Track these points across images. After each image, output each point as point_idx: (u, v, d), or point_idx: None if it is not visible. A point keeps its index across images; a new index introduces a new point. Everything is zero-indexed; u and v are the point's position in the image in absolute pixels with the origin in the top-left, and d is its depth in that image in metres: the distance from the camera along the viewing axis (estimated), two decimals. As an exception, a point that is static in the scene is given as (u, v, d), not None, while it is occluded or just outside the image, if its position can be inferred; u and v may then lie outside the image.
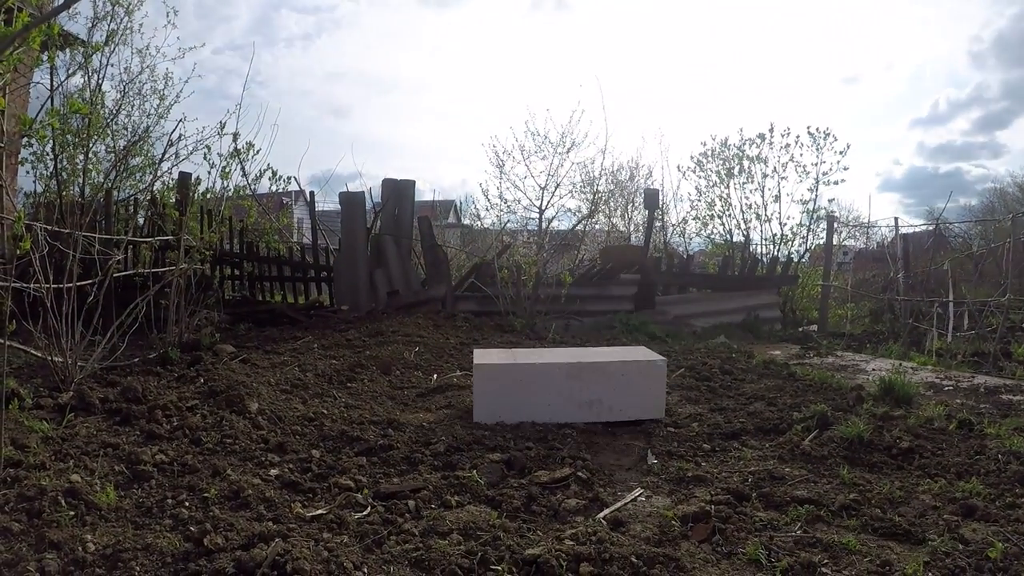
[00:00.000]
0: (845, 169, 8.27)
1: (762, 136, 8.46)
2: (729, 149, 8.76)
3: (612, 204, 10.75)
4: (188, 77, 6.41)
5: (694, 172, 9.17)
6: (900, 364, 4.18)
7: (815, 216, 8.45)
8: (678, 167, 16.16)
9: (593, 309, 5.95)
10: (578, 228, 9.43)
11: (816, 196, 8.39)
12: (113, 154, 5.85)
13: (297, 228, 9.77)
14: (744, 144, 8.62)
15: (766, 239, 8.59)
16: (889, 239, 8.91)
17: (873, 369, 4.02)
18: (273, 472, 1.85)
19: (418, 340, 4.07)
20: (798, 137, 8.39)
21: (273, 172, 5.64)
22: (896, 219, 9.52)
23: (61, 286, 2.67)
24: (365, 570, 1.35)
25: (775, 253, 8.41)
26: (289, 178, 6.10)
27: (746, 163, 8.59)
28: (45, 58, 5.00)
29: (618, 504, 1.75)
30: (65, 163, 5.15)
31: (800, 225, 8.52)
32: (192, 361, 3.00)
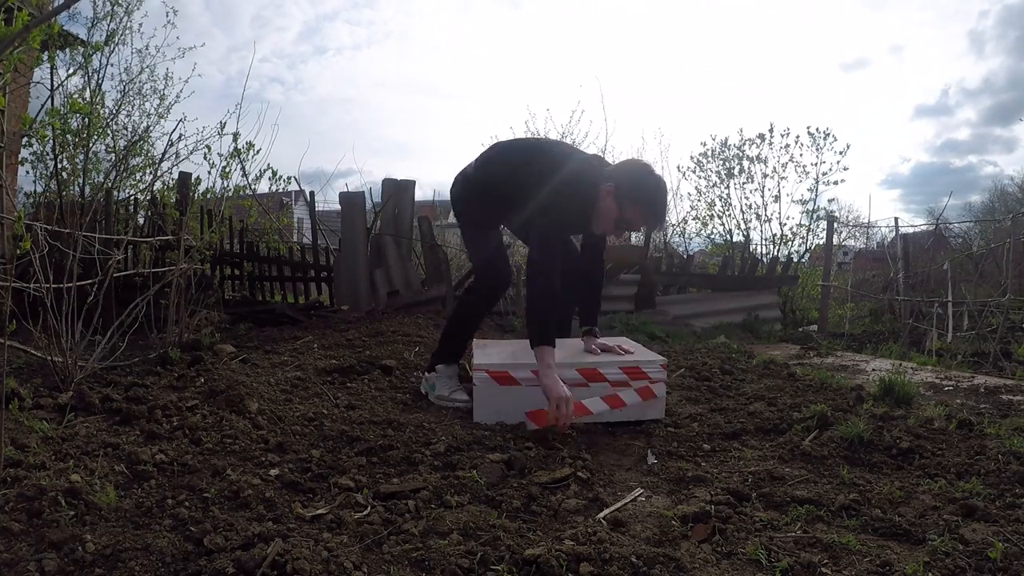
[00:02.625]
0: (845, 169, 8.32)
1: (762, 136, 8.49)
2: (729, 149, 8.79)
3: (612, 204, 10.73)
4: (188, 77, 6.41)
5: (694, 172, 9.20)
6: (900, 364, 4.18)
7: (815, 216, 8.48)
8: (678, 167, 16.20)
9: (593, 309, 5.94)
10: (578, 228, 9.40)
11: (816, 196, 8.42)
12: (113, 154, 5.85)
13: (297, 228, 9.77)
14: (744, 144, 8.64)
15: (766, 239, 8.63)
16: (889, 239, 8.92)
17: (873, 369, 4.02)
18: (273, 472, 1.85)
19: (418, 340, 4.07)
20: (798, 137, 8.42)
21: (273, 172, 5.64)
22: (896, 219, 9.53)
23: (61, 286, 2.67)
24: (365, 570, 1.35)
25: (775, 253, 8.43)
26: (289, 178, 6.11)
27: (746, 163, 8.61)
28: (45, 58, 5.01)
29: (618, 504, 1.75)
30: (65, 163, 5.16)
31: (800, 225, 8.56)
32: (192, 361, 2.99)
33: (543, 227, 2.46)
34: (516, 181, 2.60)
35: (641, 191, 2.42)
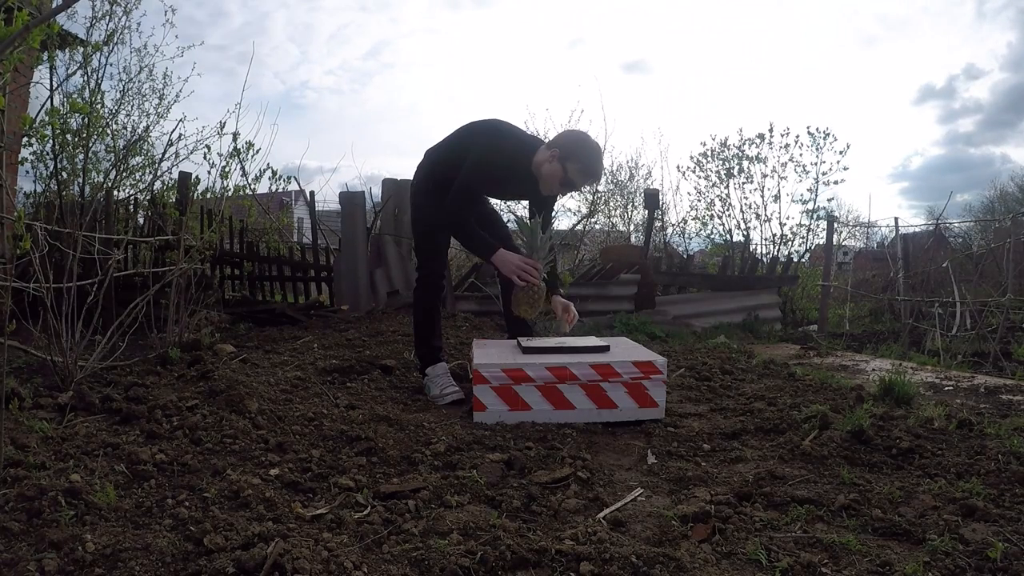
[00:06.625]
0: (845, 169, 8.31)
1: (761, 136, 8.48)
2: (729, 149, 8.79)
3: (612, 204, 10.76)
4: (188, 76, 6.39)
5: (693, 172, 9.20)
6: (900, 364, 4.18)
7: (815, 216, 8.47)
8: (678, 167, 16.21)
9: (593, 309, 5.95)
10: (578, 228, 9.44)
11: (816, 196, 8.42)
12: (113, 154, 5.84)
13: (297, 228, 9.77)
14: (744, 144, 8.64)
15: (766, 239, 8.62)
16: (889, 239, 8.92)
17: (873, 369, 4.02)
18: (273, 472, 1.85)
19: (418, 340, 4.07)
20: (798, 137, 8.41)
21: (273, 172, 5.65)
22: (896, 219, 9.53)
23: (61, 286, 2.67)
24: (365, 569, 1.35)
25: (775, 253, 8.43)
26: (289, 178, 6.11)
27: (746, 163, 8.60)
28: (45, 58, 5.00)
29: (618, 504, 1.75)
30: (65, 163, 5.15)
31: (800, 225, 8.56)
32: (192, 361, 2.99)
33: (461, 177, 2.69)
34: (453, 158, 2.78)
35: (580, 153, 2.67)
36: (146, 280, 3.54)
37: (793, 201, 8.69)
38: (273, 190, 6.46)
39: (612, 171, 10.82)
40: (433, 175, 2.87)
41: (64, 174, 5.16)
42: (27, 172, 5.35)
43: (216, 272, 5.73)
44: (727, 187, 8.66)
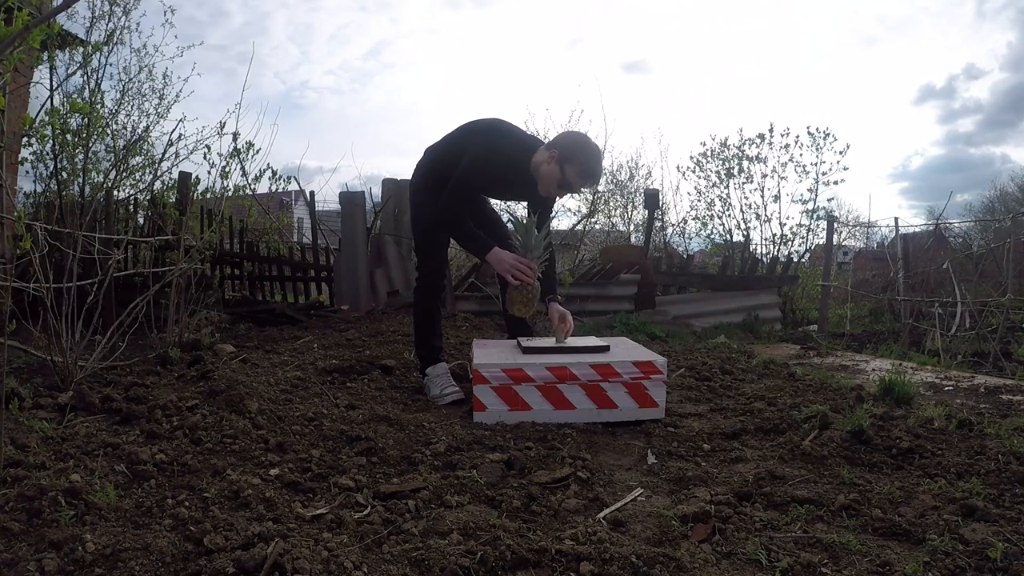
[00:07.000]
0: (845, 169, 8.31)
1: (761, 136, 8.48)
2: (729, 149, 8.79)
3: (612, 204, 10.75)
4: (188, 76, 6.39)
5: (693, 172, 9.20)
6: (900, 364, 4.18)
7: (815, 216, 8.48)
8: (677, 167, 16.22)
9: (593, 309, 5.95)
10: (578, 228, 9.44)
11: (816, 196, 8.42)
12: (113, 154, 5.84)
13: (297, 228, 9.76)
14: (744, 144, 8.64)
15: (766, 239, 8.63)
16: (889, 239, 8.92)
17: (873, 369, 4.02)
18: (273, 472, 1.85)
19: (418, 340, 4.06)
20: (798, 137, 8.42)
21: (273, 172, 5.65)
22: (896, 219, 9.53)
23: (61, 286, 2.67)
24: (365, 569, 1.35)
25: (775, 253, 8.43)
26: (289, 178, 6.11)
27: (746, 163, 8.61)
28: (45, 58, 5.00)
29: (618, 504, 1.75)
30: (65, 163, 5.15)
31: (800, 225, 8.56)
32: (192, 361, 2.99)
33: (457, 174, 2.68)
34: (452, 156, 2.78)
35: (578, 155, 2.66)
36: (146, 280, 3.55)
37: (793, 201, 8.71)
38: (273, 190, 6.47)
39: (612, 171, 10.83)
40: (432, 173, 2.86)
41: (64, 174, 5.16)
42: (27, 172, 5.35)
43: (216, 272, 5.74)
44: (727, 187, 8.67)
